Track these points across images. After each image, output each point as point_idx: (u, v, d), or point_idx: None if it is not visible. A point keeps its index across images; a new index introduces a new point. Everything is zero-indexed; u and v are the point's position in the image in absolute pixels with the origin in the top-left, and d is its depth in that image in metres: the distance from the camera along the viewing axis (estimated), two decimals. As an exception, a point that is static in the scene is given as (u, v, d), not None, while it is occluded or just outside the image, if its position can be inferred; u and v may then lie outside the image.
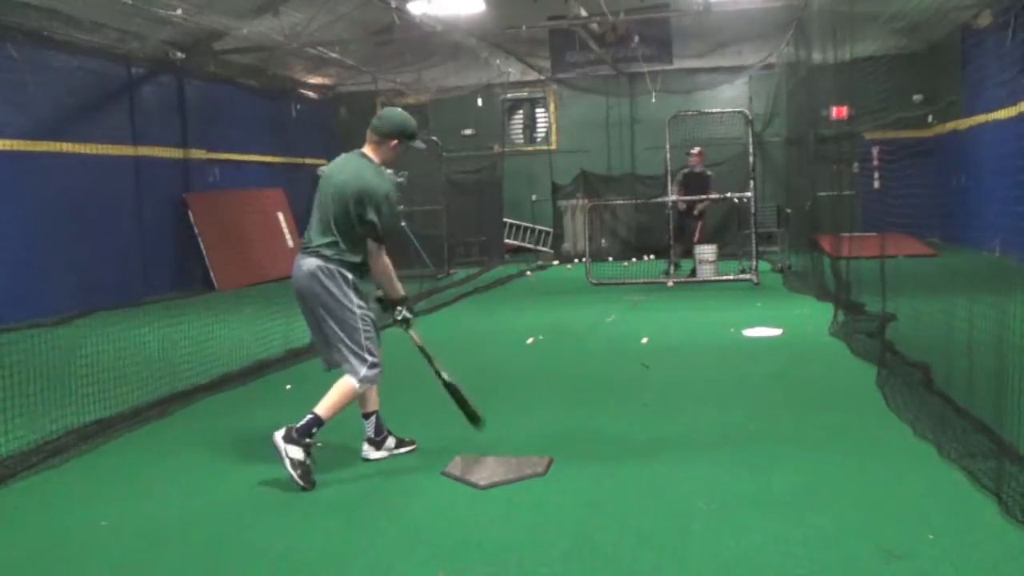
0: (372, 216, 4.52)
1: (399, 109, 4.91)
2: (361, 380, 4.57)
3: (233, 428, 5.62)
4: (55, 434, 5.25)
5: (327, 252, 4.54)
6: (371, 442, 4.83)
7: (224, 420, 5.90)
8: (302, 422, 4.39)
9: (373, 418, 4.83)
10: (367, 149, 4.72)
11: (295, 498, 4.24)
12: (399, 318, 4.80)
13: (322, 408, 4.48)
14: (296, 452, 4.31)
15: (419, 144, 4.80)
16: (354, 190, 4.53)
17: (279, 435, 4.35)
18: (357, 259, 4.59)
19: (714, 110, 16.51)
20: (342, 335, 4.57)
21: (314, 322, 4.68)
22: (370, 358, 4.59)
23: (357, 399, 4.73)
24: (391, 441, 4.90)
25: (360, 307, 4.58)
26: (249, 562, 3.56)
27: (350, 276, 4.57)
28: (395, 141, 4.68)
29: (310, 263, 4.55)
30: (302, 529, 3.88)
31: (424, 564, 3.45)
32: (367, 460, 4.79)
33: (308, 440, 4.37)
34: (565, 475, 4.46)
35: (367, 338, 4.59)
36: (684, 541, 3.56)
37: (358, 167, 4.64)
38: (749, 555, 3.40)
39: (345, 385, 4.56)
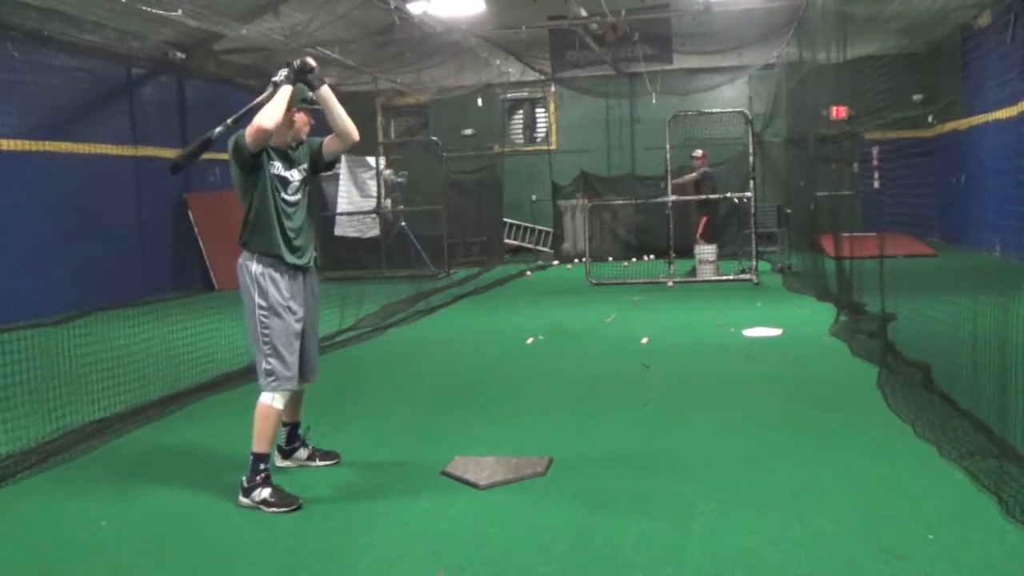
0: (234, 168, 4.34)
1: None
2: (264, 390, 4.28)
3: (233, 428, 5.61)
4: (55, 434, 5.25)
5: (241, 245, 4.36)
6: (280, 450, 4.73)
7: (224, 420, 5.90)
8: (248, 469, 4.19)
9: (288, 428, 4.71)
10: None
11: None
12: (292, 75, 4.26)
13: (253, 443, 4.22)
14: (262, 493, 4.12)
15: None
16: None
17: (240, 498, 4.15)
18: (254, 233, 4.34)
19: (714, 110, 16.51)
20: (253, 341, 4.31)
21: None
22: (266, 364, 4.25)
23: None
24: (303, 452, 4.77)
25: (261, 306, 4.26)
26: (248, 562, 3.56)
27: (252, 267, 4.30)
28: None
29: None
30: (302, 529, 3.87)
31: (424, 564, 3.45)
32: (276, 466, 4.61)
33: (262, 475, 4.16)
34: (565, 475, 4.46)
35: (266, 343, 4.25)
36: (684, 541, 3.56)
37: None
38: (749, 555, 3.40)
39: (258, 405, 4.27)
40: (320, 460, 4.78)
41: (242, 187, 4.40)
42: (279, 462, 4.72)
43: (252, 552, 3.66)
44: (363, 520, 3.96)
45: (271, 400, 4.26)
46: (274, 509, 4.07)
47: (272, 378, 4.26)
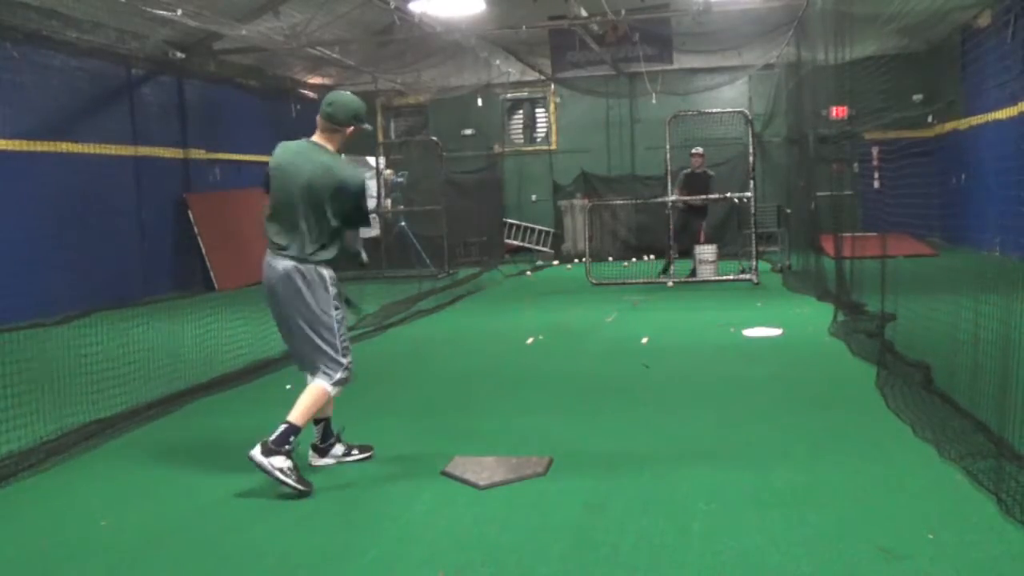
0: (358, 209, 4.52)
1: (347, 93, 4.64)
2: (335, 383, 4.51)
3: (233, 428, 5.62)
4: (55, 434, 5.25)
5: (303, 253, 4.43)
6: (316, 449, 4.79)
7: (224, 420, 5.91)
8: (277, 433, 4.25)
9: (322, 425, 4.77)
10: (321, 139, 4.51)
11: (295, 498, 4.23)
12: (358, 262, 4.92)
13: (295, 415, 4.35)
14: (282, 461, 4.19)
15: (366, 125, 4.63)
16: (330, 187, 4.38)
17: (256, 452, 4.21)
18: (332, 254, 4.52)
19: (714, 110, 16.51)
20: (318, 340, 4.47)
21: (287, 326, 4.56)
22: (345, 361, 4.52)
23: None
24: (339, 448, 4.83)
25: (337, 308, 4.52)
26: (249, 562, 3.56)
27: (327, 275, 4.49)
28: (351, 128, 4.51)
29: (285, 265, 4.42)
30: (302, 529, 3.88)
31: (424, 564, 3.45)
32: (311, 466, 4.72)
33: (287, 447, 4.26)
34: (565, 475, 4.46)
35: (343, 341, 4.52)
36: (684, 541, 3.56)
37: (325, 162, 4.43)
38: (749, 555, 3.40)
39: (318, 389, 4.47)
40: (359, 453, 4.86)
41: (331, 217, 4.52)
42: (315, 462, 4.76)
43: (252, 552, 3.65)
44: (363, 520, 3.97)
45: (330, 388, 4.49)
46: (288, 480, 4.14)
47: (350, 373, 4.55)
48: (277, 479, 4.18)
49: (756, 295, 11.46)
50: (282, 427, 4.29)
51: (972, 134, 15.34)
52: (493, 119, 19.28)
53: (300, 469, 4.35)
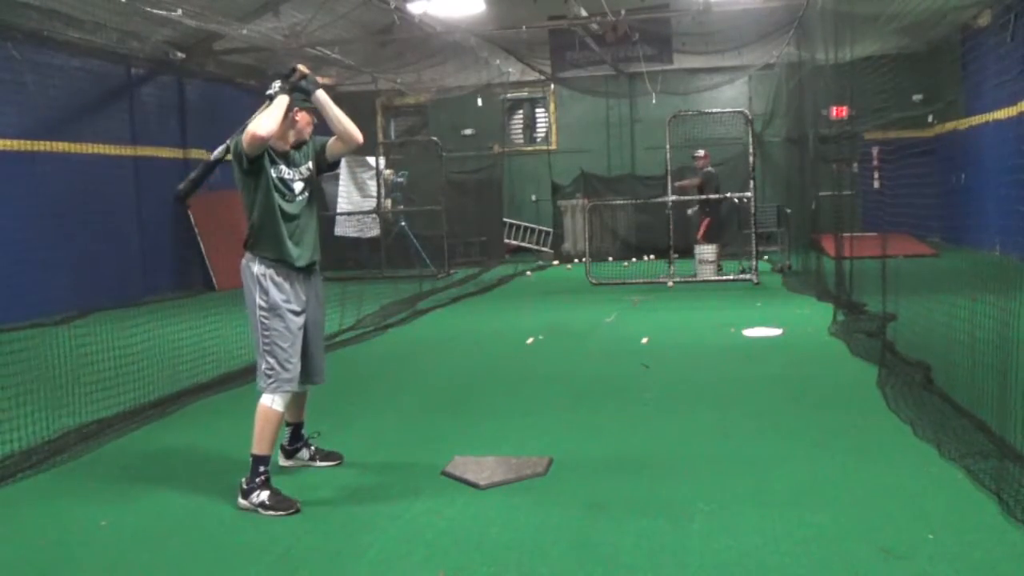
0: (237, 156, 4.31)
1: None
2: (265, 391, 4.26)
3: (232, 428, 5.61)
4: (55, 434, 5.25)
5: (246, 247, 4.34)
6: (283, 450, 4.76)
7: (224, 420, 5.90)
8: (248, 472, 4.17)
9: (292, 428, 4.73)
10: None
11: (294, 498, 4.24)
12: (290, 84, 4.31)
13: (254, 444, 4.21)
14: (260, 496, 4.10)
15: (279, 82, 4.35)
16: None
17: (239, 500, 4.15)
18: (256, 236, 4.31)
19: (714, 110, 16.51)
20: (255, 341, 4.30)
21: None
22: (266, 365, 4.24)
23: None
24: (305, 453, 4.79)
25: (262, 307, 4.24)
26: (249, 562, 3.56)
27: (255, 268, 4.28)
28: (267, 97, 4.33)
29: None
30: (302, 529, 3.88)
31: (424, 564, 3.45)
32: (279, 466, 4.67)
33: (261, 478, 4.14)
34: (565, 475, 4.46)
35: (266, 343, 4.24)
36: (684, 541, 3.56)
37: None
38: (749, 555, 3.40)
39: (259, 408, 4.26)
40: (321, 461, 4.79)
41: (244, 189, 4.39)
42: (281, 462, 4.74)
43: (252, 552, 3.65)
44: (363, 520, 3.96)
45: (271, 402, 4.26)
46: (271, 512, 4.06)
47: (271, 379, 4.26)
48: (263, 515, 4.06)
49: (756, 295, 11.46)
50: (250, 462, 4.20)
51: (972, 134, 15.34)
52: (493, 119, 19.27)
53: (287, 476, 4.32)
